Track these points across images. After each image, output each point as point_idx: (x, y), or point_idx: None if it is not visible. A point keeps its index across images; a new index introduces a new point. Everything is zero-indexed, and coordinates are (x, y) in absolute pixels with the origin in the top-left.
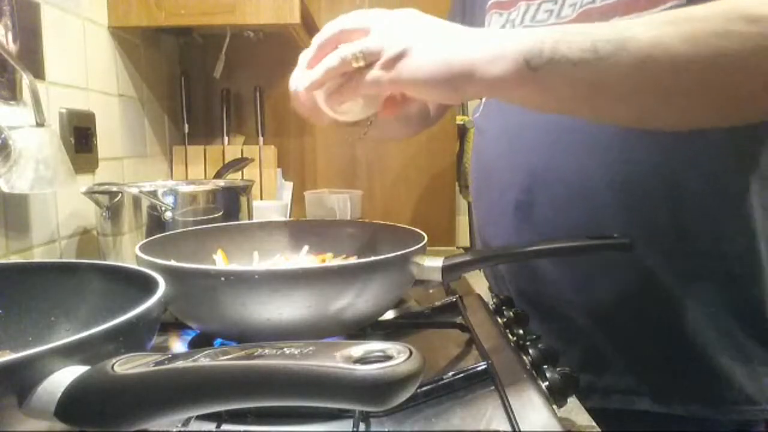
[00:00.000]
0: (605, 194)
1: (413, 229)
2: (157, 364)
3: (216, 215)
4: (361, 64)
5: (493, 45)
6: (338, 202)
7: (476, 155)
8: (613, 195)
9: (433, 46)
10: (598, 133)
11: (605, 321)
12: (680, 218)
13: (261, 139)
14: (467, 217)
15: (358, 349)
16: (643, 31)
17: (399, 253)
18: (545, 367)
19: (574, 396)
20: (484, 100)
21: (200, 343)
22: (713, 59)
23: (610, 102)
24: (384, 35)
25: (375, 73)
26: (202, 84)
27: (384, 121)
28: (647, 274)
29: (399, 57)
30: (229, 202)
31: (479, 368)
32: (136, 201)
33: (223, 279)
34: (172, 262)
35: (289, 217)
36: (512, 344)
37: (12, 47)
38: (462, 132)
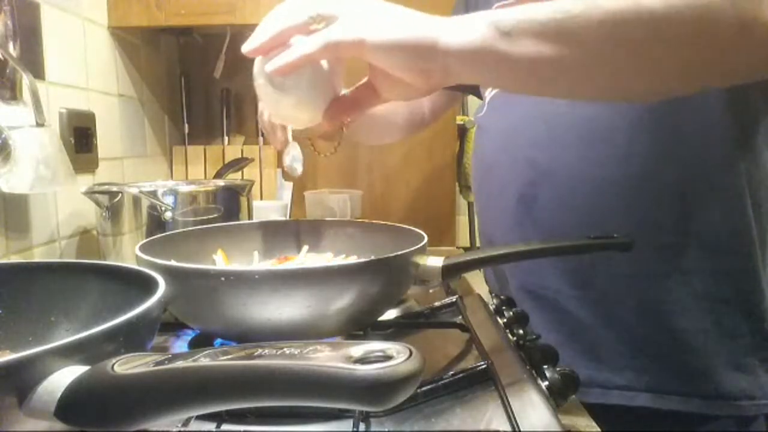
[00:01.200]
0: (608, 188)
1: (413, 229)
2: (157, 364)
3: (216, 215)
4: (320, 26)
5: (460, 17)
6: (338, 202)
7: (478, 153)
8: (616, 189)
9: (397, 13)
10: (602, 128)
11: (605, 315)
12: (682, 213)
13: (261, 139)
14: (467, 217)
15: (358, 349)
16: None
17: (399, 253)
18: (545, 367)
19: (574, 395)
20: (487, 99)
21: (200, 343)
22: (684, 11)
23: (583, 65)
24: (345, 1)
25: (335, 31)
26: (202, 84)
27: (368, 125)
28: (647, 268)
29: (362, 17)
30: (229, 202)
31: (479, 368)
32: (136, 201)
33: (223, 279)
34: (172, 262)
35: (289, 217)
36: (512, 344)
37: (12, 47)
38: (462, 132)
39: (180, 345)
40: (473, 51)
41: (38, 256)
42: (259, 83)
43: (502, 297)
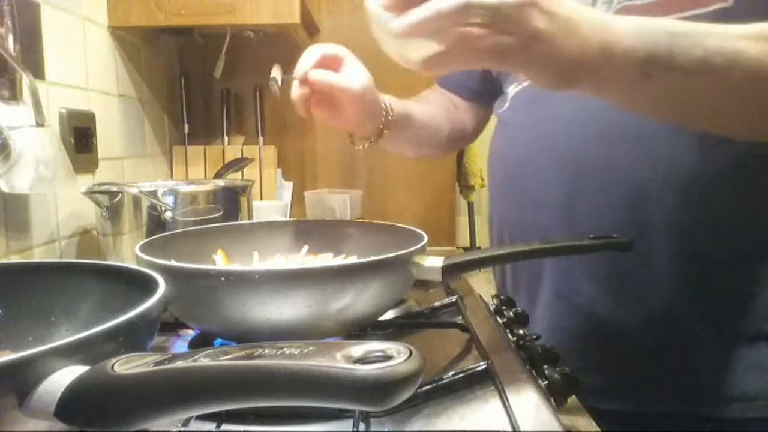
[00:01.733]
0: (653, 191)
1: (413, 229)
2: (157, 364)
3: (216, 215)
4: (484, 22)
5: (619, 48)
6: (338, 202)
7: (501, 149)
8: (660, 192)
9: (568, 36)
10: (643, 127)
11: (637, 323)
12: (715, 220)
13: (261, 139)
14: (467, 217)
15: (358, 349)
16: (748, 46)
17: (399, 253)
18: (545, 367)
19: (574, 396)
20: (511, 94)
21: (200, 343)
22: None
23: (707, 112)
24: (522, 4)
25: (505, 40)
26: (202, 84)
27: (410, 135)
28: (671, 273)
29: (536, 35)
30: (229, 202)
31: (479, 368)
32: (136, 201)
33: (223, 279)
34: (172, 262)
35: (289, 217)
36: (512, 344)
37: (12, 47)
38: None
39: (180, 345)
40: (614, 88)
41: (38, 256)
42: (381, 35)
43: (502, 297)
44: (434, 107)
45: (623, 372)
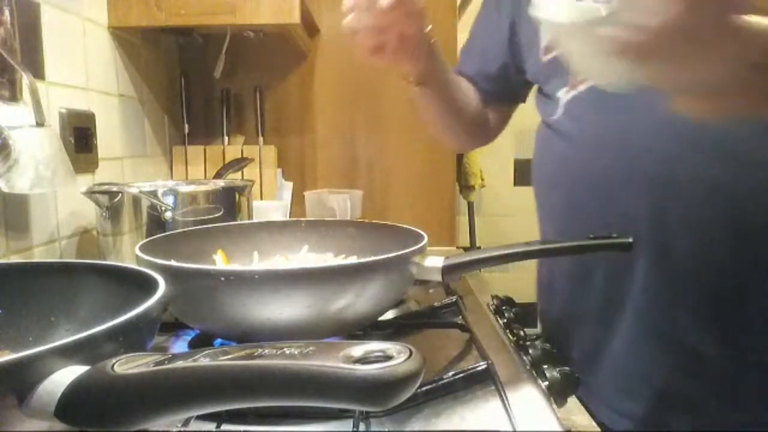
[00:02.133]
0: (747, 200)
1: (413, 229)
2: (157, 364)
3: (216, 215)
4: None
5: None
6: (338, 202)
7: (561, 160)
8: (763, 209)
9: (717, 52)
10: (724, 134)
11: (745, 355)
12: None
13: (261, 139)
14: (467, 217)
15: (358, 349)
16: None
17: (399, 253)
18: (545, 367)
19: (574, 396)
20: (563, 102)
21: (200, 343)
22: None
23: None
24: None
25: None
26: (202, 84)
27: (444, 94)
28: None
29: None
30: (229, 202)
31: (479, 368)
32: (136, 201)
33: (223, 279)
34: (172, 262)
35: (289, 217)
36: (512, 344)
37: (12, 47)
38: None
39: (180, 345)
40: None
41: (38, 256)
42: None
43: (502, 297)
44: (464, 82)
45: (720, 410)
